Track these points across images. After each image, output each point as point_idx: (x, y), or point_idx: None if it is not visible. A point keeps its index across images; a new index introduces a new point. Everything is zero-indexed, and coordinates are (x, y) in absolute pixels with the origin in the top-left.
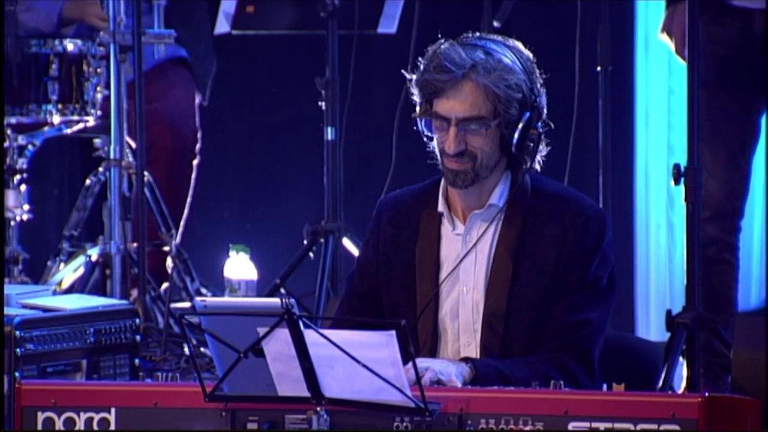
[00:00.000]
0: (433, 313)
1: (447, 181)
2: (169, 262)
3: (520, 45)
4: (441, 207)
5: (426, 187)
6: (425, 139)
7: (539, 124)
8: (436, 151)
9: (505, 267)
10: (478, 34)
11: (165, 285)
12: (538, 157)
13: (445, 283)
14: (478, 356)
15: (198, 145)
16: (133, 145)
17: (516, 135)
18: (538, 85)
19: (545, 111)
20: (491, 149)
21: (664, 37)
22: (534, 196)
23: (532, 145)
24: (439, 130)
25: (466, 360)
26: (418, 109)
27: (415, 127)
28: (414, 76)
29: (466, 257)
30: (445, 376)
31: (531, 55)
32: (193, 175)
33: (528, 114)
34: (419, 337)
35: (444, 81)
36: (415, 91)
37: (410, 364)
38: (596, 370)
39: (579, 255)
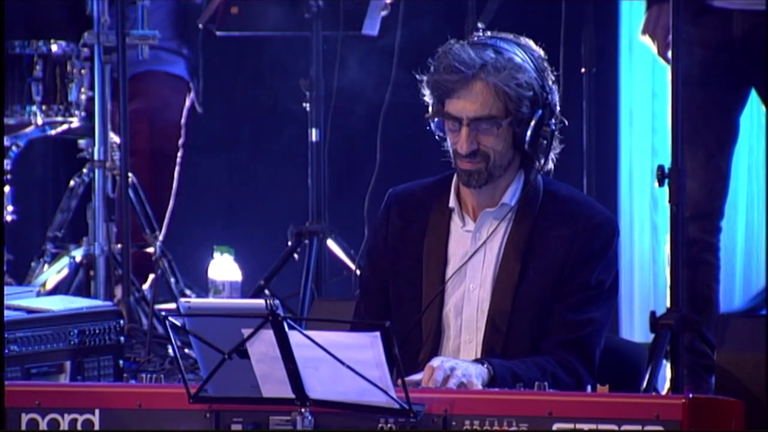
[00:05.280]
0: (438, 309)
1: (461, 181)
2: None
3: (531, 43)
4: (452, 203)
5: (437, 181)
6: (437, 138)
7: (552, 121)
8: (450, 151)
9: (513, 266)
10: (489, 33)
11: (149, 284)
12: (552, 155)
13: (452, 279)
14: (479, 355)
15: (181, 140)
16: (117, 140)
17: (528, 133)
18: (550, 83)
19: (558, 108)
20: (504, 148)
21: (646, 39)
22: (546, 198)
23: (545, 142)
24: (451, 131)
25: (482, 361)
26: (430, 109)
27: (431, 129)
28: (425, 77)
29: (474, 255)
30: (466, 378)
31: (542, 53)
32: (177, 169)
33: (540, 112)
34: (423, 332)
35: (454, 81)
36: (426, 92)
37: (437, 366)
38: (596, 370)
39: (585, 258)
